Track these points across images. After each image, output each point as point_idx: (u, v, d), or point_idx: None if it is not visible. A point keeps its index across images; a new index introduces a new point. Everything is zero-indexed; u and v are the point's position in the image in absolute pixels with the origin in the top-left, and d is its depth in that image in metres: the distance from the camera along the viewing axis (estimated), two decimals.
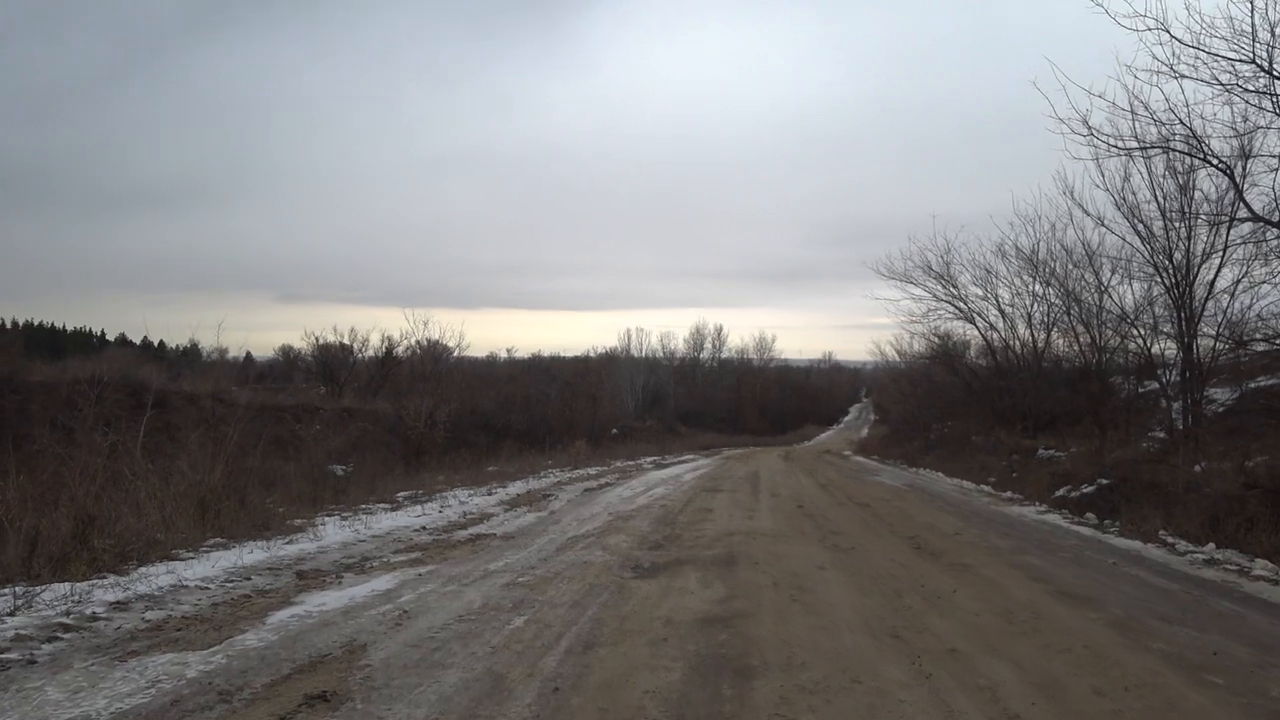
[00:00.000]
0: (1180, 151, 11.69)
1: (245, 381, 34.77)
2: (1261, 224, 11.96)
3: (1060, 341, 24.47)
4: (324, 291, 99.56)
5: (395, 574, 7.68)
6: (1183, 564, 8.45)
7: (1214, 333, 15.66)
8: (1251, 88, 10.36)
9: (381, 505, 13.24)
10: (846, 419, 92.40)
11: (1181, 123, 10.90)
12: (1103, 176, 16.50)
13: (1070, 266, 22.85)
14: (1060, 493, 14.75)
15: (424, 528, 10.88)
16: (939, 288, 26.27)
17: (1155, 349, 17.58)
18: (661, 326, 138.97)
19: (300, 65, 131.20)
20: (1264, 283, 12.59)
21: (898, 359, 48.39)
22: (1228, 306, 15.49)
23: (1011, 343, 25.58)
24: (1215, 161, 11.48)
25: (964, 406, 27.88)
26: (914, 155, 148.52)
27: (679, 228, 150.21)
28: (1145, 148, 11.94)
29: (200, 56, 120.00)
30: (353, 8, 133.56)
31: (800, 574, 7.42)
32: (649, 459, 28.46)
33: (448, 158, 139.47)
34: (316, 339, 33.09)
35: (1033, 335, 24.99)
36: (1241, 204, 11.46)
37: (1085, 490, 14.40)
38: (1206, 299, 15.64)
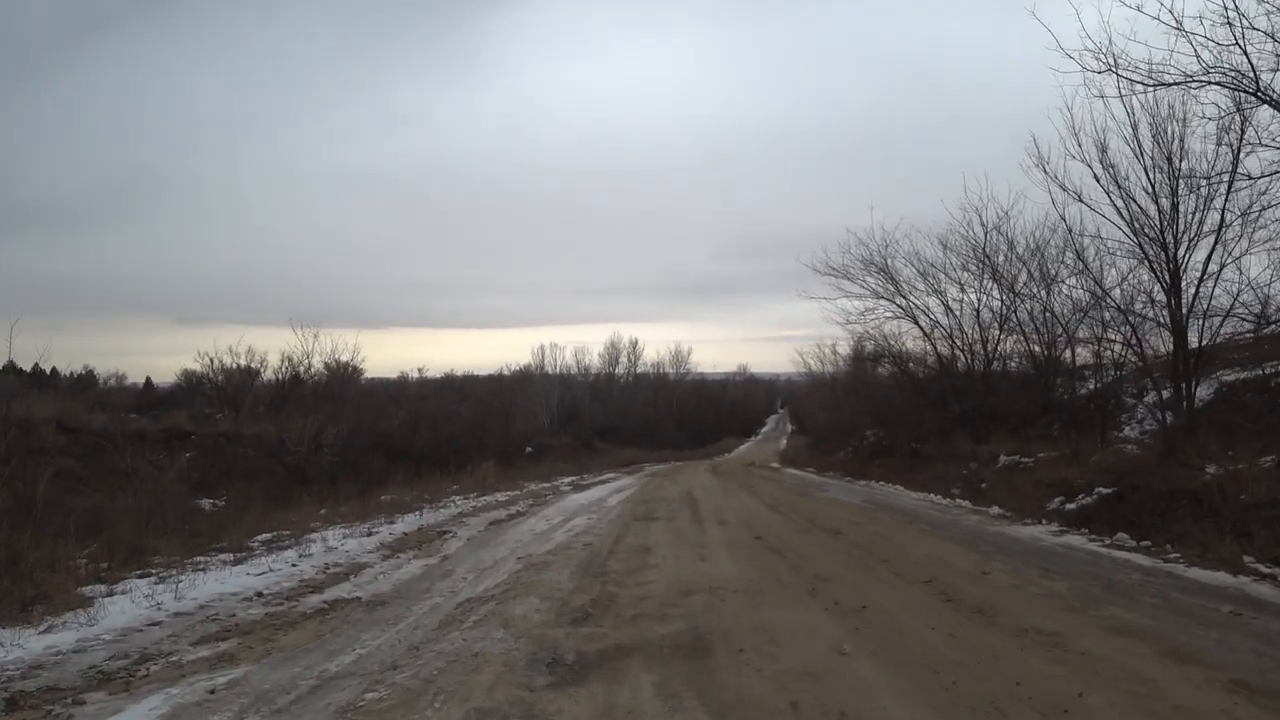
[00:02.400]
0: (1229, 87, 9.46)
1: (145, 409, 31.61)
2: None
3: (1010, 339, 22.59)
4: (227, 314, 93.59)
5: (174, 690, 4.97)
6: None
7: (1204, 311, 13.66)
8: None
9: (224, 556, 10.31)
10: (764, 430, 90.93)
11: (1237, 44, 8.66)
12: (1079, 146, 14.39)
13: (1015, 260, 21.08)
14: (1055, 505, 12.48)
15: (260, 593, 7.97)
16: (879, 284, 24.18)
17: (1142, 337, 15.50)
18: (576, 342, 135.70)
19: (197, 83, 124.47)
20: None
21: (821, 368, 46.64)
22: (1214, 287, 13.54)
23: (959, 341, 23.58)
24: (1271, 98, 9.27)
25: (905, 412, 25.77)
26: (835, 166, 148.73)
27: (591, 244, 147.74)
28: (1185, 81, 9.69)
29: (85, 71, 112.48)
30: (250, 27, 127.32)
31: (820, 673, 4.63)
32: (567, 479, 25.52)
33: (353, 175, 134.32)
34: (212, 361, 30.89)
35: (982, 333, 23.04)
36: None
37: (1085, 502, 12.16)
38: (1202, 277, 13.62)
